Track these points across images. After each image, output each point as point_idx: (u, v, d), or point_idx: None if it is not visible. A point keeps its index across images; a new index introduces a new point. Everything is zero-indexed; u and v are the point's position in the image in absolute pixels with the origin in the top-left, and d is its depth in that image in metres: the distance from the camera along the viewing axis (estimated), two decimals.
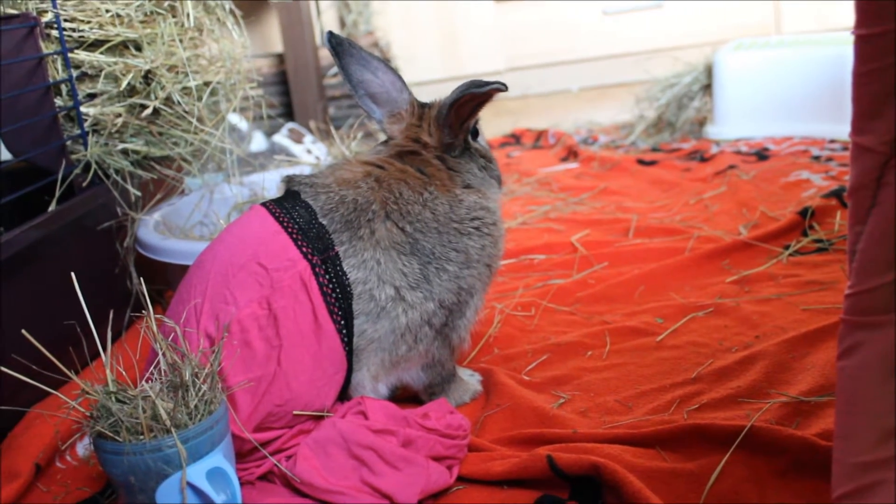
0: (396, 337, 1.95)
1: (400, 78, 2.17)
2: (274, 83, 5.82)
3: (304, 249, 1.87)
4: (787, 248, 2.85)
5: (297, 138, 4.87)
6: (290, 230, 1.89)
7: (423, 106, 2.15)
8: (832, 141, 4.16)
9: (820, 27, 5.89)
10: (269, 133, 4.97)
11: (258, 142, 4.77)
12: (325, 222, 1.92)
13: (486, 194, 2.12)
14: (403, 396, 2.15)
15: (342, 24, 6.34)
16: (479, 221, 2.04)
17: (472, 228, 2.02)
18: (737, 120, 4.53)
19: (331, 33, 2.13)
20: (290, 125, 5.07)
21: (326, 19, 6.35)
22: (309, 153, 4.67)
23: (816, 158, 3.90)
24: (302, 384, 1.84)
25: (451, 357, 2.10)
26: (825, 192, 3.21)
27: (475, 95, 1.95)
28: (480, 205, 2.06)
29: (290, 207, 1.95)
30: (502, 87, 1.89)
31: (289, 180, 2.08)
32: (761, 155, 4.11)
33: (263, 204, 2.00)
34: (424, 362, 2.06)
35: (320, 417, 1.88)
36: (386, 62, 2.17)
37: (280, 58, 5.84)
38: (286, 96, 5.80)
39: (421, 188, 2.01)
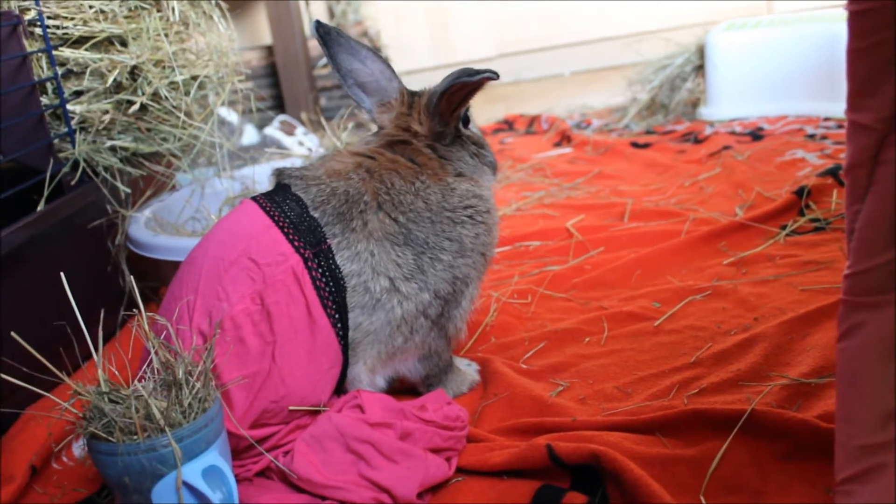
0: (392, 329, 1.93)
1: (389, 66, 2.14)
2: (264, 75, 5.79)
3: (296, 243, 1.85)
4: (783, 228, 2.83)
5: (289, 130, 4.84)
6: (280, 224, 1.87)
7: (412, 94, 2.12)
8: (826, 119, 4.13)
9: (811, 5, 5.86)
10: (261, 126, 4.95)
11: (250, 135, 4.75)
12: (316, 215, 1.90)
13: (479, 182, 2.09)
14: (401, 388, 2.13)
15: (331, 14, 6.31)
16: (472, 210, 2.02)
17: (465, 217, 2.00)
18: (730, 100, 4.51)
19: (318, 22, 2.10)
20: (282, 117, 5.04)
21: (315, 10, 6.31)
22: (301, 145, 4.65)
23: (811, 137, 3.88)
24: (297, 379, 1.82)
25: (448, 347, 2.08)
26: (821, 170, 3.19)
27: (466, 84, 1.92)
28: (473, 193, 2.04)
29: (281, 201, 1.93)
30: (493, 76, 1.87)
31: (279, 173, 2.06)
32: (756, 135, 4.09)
33: (254, 198, 1.99)
34: (421, 353, 2.04)
35: (317, 412, 1.86)
36: (375, 51, 2.15)
37: (269, 50, 5.81)
38: (276, 88, 5.77)
39: (412, 178, 1.98)
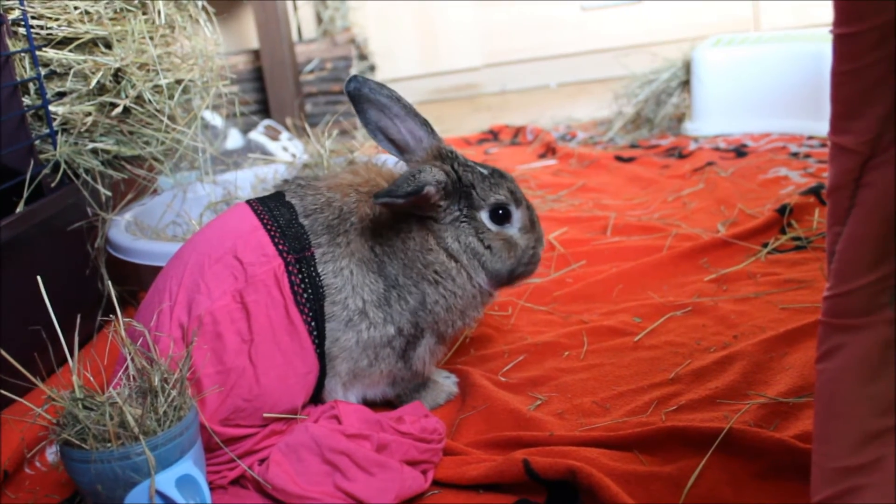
0: (360, 350, 1.94)
1: (421, 123, 2.07)
2: (250, 80, 5.77)
3: (281, 247, 1.87)
4: (765, 245, 2.84)
5: (274, 135, 4.83)
6: (268, 227, 1.90)
7: (439, 157, 2.05)
8: (810, 137, 4.14)
9: (798, 23, 5.88)
10: (245, 130, 4.93)
11: (234, 139, 4.73)
12: (306, 223, 1.92)
13: (466, 271, 2.03)
14: (378, 399, 2.12)
15: (319, 19, 6.29)
16: (438, 276, 1.99)
17: (431, 278, 1.99)
18: (715, 116, 4.52)
19: (353, 78, 2.06)
20: (267, 122, 5.03)
21: (303, 15, 6.29)
22: (285, 150, 4.64)
23: (795, 155, 3.89)
24: (271, 380, 1.82)
25: (415, 378, 2.08)
26: (803, 189, 3.20)
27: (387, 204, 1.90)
28: (446, 268, 2.00)
29: (273, 206, 1.96)
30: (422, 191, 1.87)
31: (285, 180, 2.10)
32: (739, 152, 4.10)
33: (248, 201, 2.02)
34: (388, 381, 2.05)
35: (293, 419, 1.86)
36: (408, 107, 2.07)
37: (256, 54, 5.79)
38: (262, 93, 5.75)
39: (402, 218, 1.98)
